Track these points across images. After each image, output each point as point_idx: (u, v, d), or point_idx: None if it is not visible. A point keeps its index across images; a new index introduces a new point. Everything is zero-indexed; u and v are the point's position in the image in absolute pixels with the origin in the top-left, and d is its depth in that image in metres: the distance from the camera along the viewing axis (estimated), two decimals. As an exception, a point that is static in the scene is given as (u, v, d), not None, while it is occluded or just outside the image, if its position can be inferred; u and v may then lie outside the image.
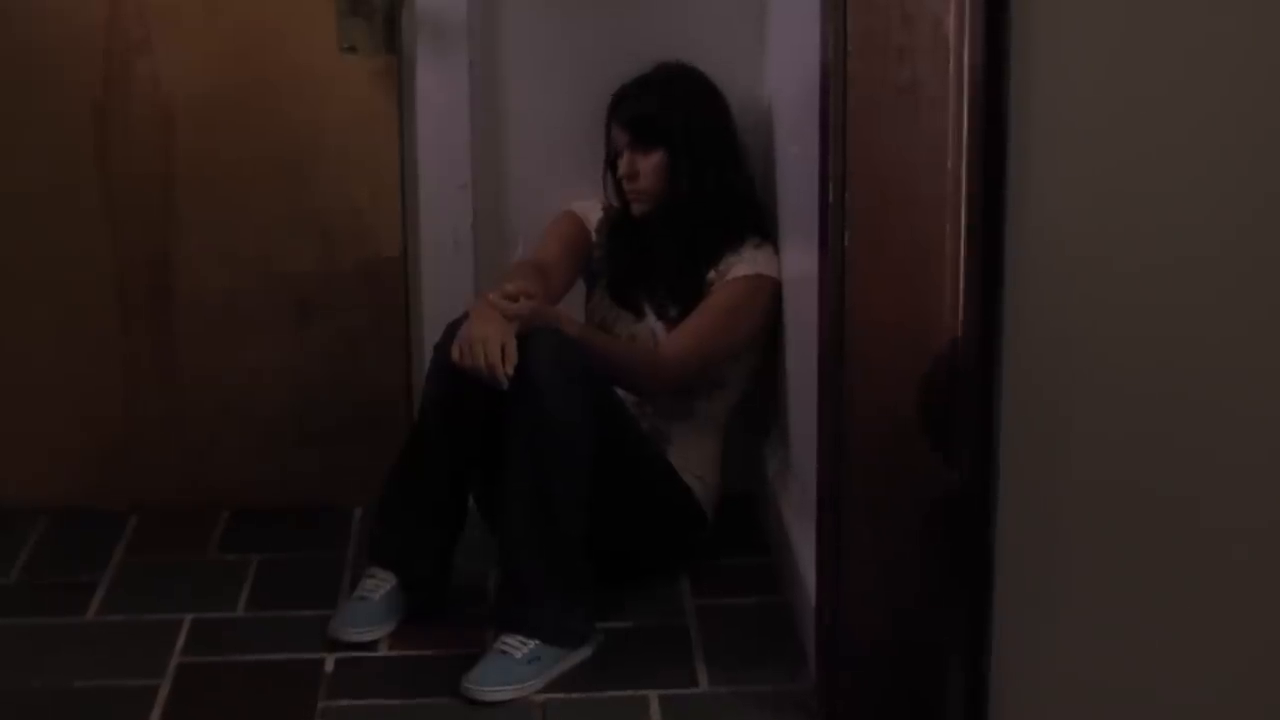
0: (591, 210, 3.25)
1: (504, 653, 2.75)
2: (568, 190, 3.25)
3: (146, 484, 3.35)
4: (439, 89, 3.22)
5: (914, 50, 2.40)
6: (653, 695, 2.73)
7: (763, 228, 3.18)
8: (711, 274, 3.11)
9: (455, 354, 2.79)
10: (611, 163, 3.18)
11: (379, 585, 2.92)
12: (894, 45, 2.40)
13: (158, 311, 3.30)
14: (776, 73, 3.21)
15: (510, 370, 2.76)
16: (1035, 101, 1.97)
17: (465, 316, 2.86)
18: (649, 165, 3.11)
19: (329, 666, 2.82)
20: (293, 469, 3.36)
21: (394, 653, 2.87)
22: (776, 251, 3.14)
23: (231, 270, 3.29)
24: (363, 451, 3.32)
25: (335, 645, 2.86)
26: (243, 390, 3.33)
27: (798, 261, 3.01)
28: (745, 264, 3.10)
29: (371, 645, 2.87)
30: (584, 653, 2.83)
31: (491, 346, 2.75)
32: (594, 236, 3.23)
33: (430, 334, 3.11)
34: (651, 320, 3.14)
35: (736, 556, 3.19)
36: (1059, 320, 1.98)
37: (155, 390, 3.33)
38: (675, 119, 3.11)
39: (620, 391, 3.02)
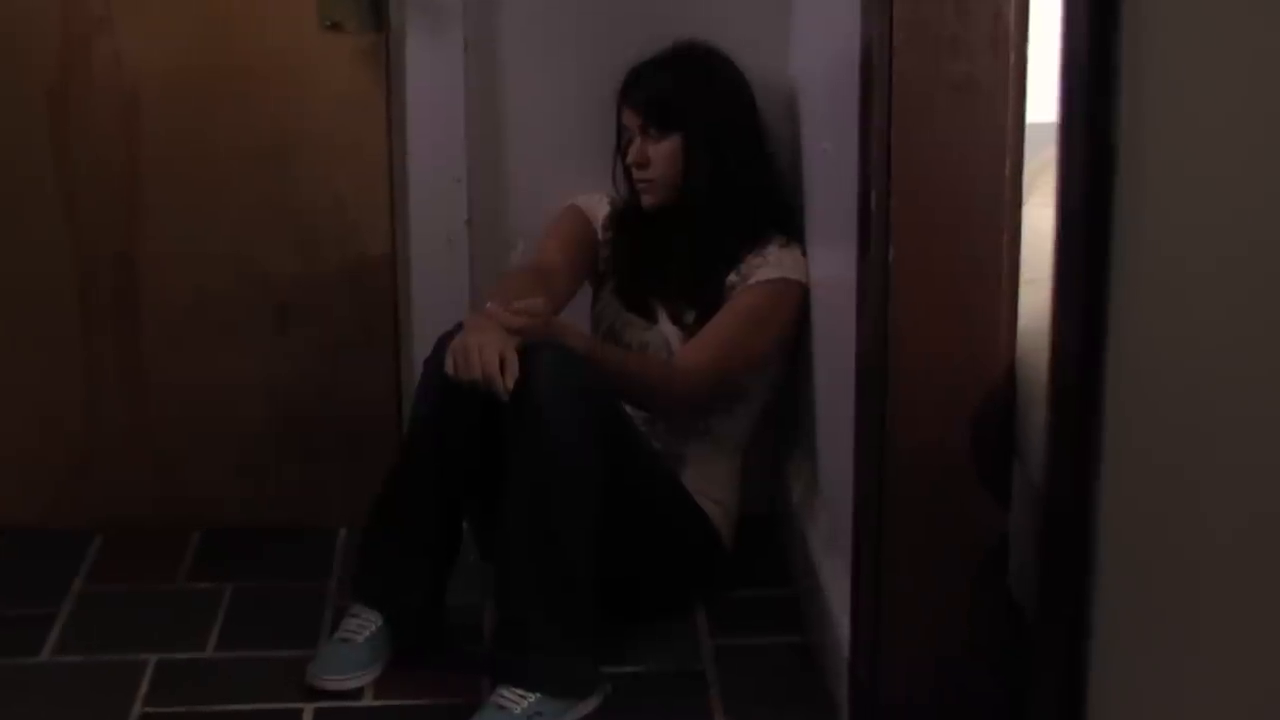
0: (598, 205, 2.98)
1: (501, 707, 2.50)
2: (573, 183, 3.01)
3: (110, 502, 3.14)
4: (431, 71, 2.98)
5: (970, 43, 2.16)
6: (667, 751, 2.49)
7: (788, 226, 2.91)
8: (732, 277, 2.84)
9: (449, 365, 2.53)
10: (623, 151, 2.91)
11: (363, 626, 2.67)
12: (947, 37, 2.17)
13: (122, 315, 3.07)
14: (803, 55, 2.94)
15: (511, 383, 2.51)
16: (1148, 104, 1.63)
17: (458, 329, 2.59)
18: (661, 152, 2.84)
19: (307, 718, 2.58)
20: (270, 486, 3.15)
21: (379, 702, 2.63)
22: (804, 252, 2.87)
23: (203, 270, 3.06)
24: (347, 468, 3.12)
25: (314, 693, 2.63)
26: (216, 401, 3.11)
27: (828, 264, 2.76)
28: (770, 267, 2.83)
29: (355, 693, 2.64)
30: (591, 704, 2.58)
31: (489, 355, 2.49)
32: (601, 234, 2.96)
33: (421, 339, 2.92)
34: (665, 326, 2.88)
35: (757, 587, 2.94)
36: (1174, 346, 1.65)
37: (120, 400, 3.11)
38: (692, 102, 2.84)
39: (630, 408, 2.75)
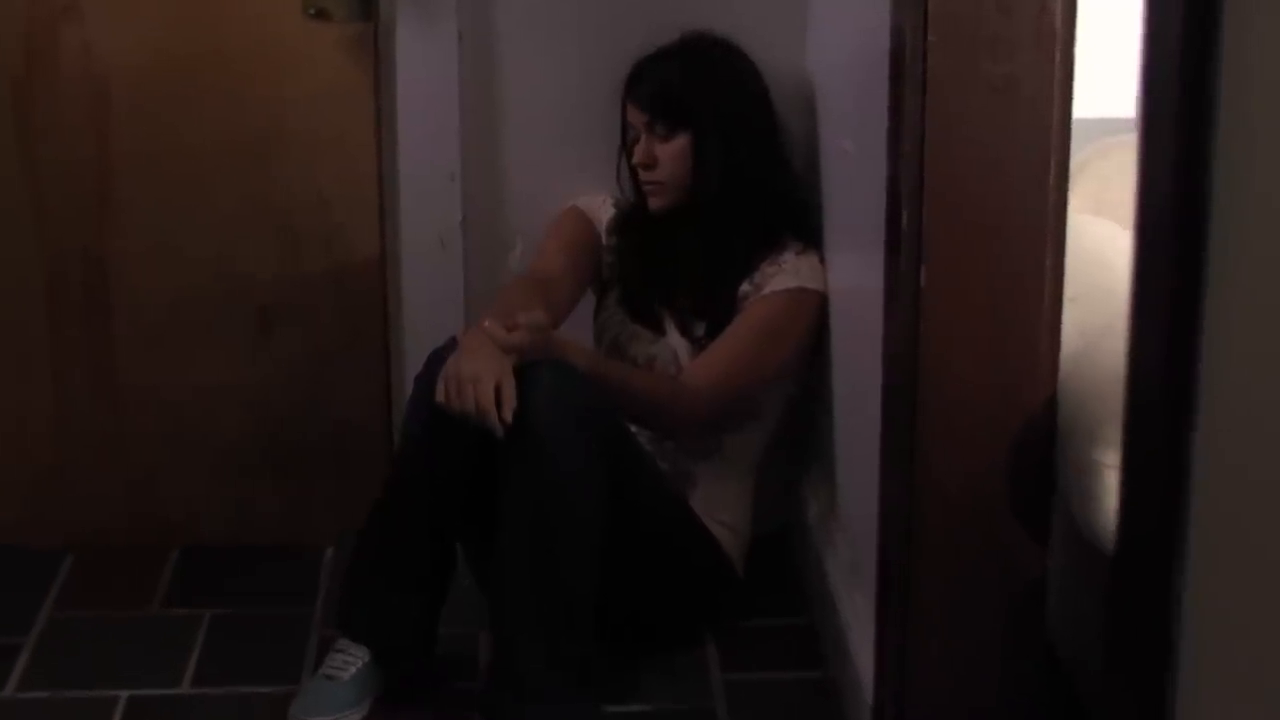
0: (601, 207, 2.79)
1: (497, 757, 2.32)
2: (574, 181, 2.85)
3: (82, 519, 2.99)
4: (423, 61, 2.83)
5: (1012, 42, 1.98)
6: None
7: (804, 230, 2.72)
8: (745, 286, 2.66)
9: (440, 393, 2.35)
10: (628, 150, 2.72)
11: (349, 662, 2.50)
12: (987, 35, 1.98)
13: (93, 318, 2.92)
14: (821, 48, 2.76)
15: (508, 416, 2.33)
16: (1256, 101, 1.43)
17: (452, 344, 2.42)
18: (669, 152, 2.66)
19: (289, 762, 2.42)
20: (252, 502, 3.00)
21: (366, 744, 2.47)
22: (821, 259, 2.68)
23: (179, 271, 2.91)
24: (334, 482, 2.98)
25: (297, 734, 2.46)
26: (193, 410, 2.96)
27: (848, 272, 2.59)
28: (785, 275, 2.65)
29: (340, 735, 2.47)
30: (593, 750, 2.41)
31: (484, 388, 2.32)
32: (604, 239, 2.78)
33: (412, 345, 2.80)
34: (674, 338, 2.70)
35: (770, 616, 2.76)
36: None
37: (91, 409, 2.96)
38: (702, 97, 2.66)
39: (635, 427, 2.58)
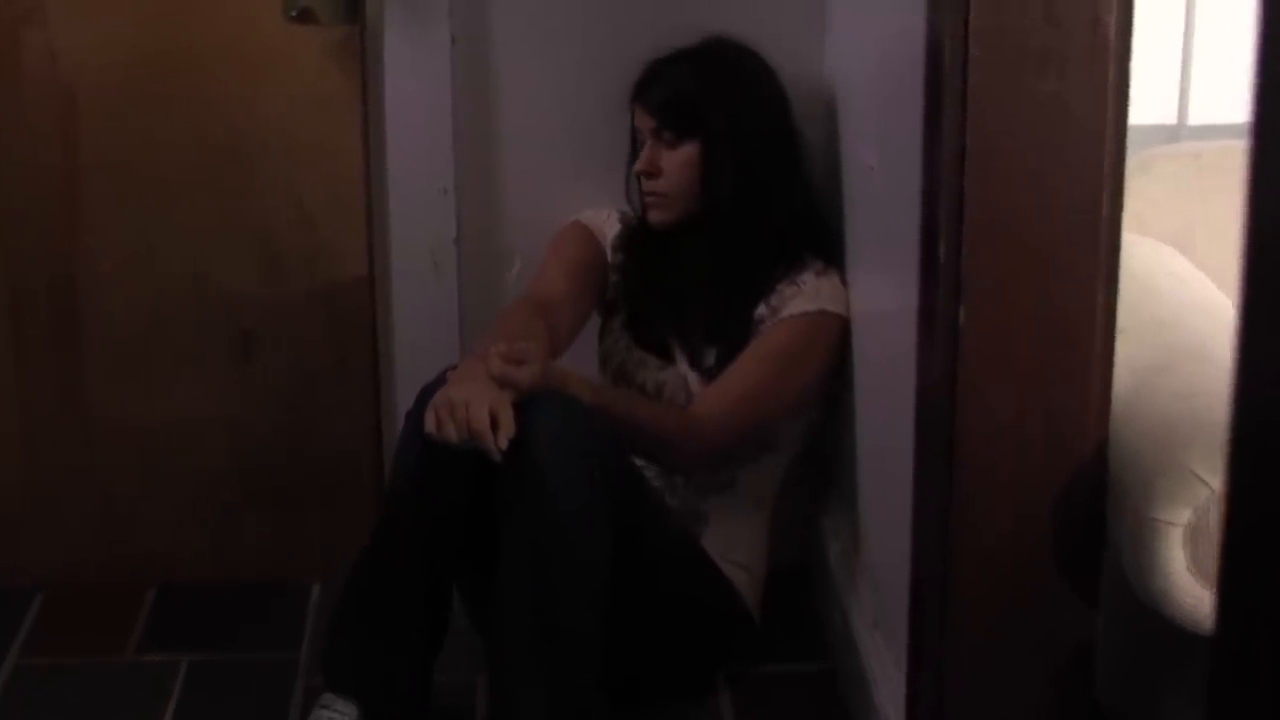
0: (607, 223, 2.62)
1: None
2: (576, 195, 2.68)
3: (52, 557, 2.83)
4: (413, 67, 2.66)
5: (1062, 55, 1.80)
6: None
7: (824, 249, 2.53)
8: (761, 309, 2.49)
9: (430, 422, 2.17)
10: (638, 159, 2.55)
11: (335, 719, 2.30)
12: (1034, 48, 1.80)
13: (62, 344, 2.76)
14: (841, 53, 2.58)
15: (504, 443, 2.15)
16: None
17: (442, 380, 2.24)
18: (675, 160, 2.49)
19: (271, 829, 2.24)
20: (234, 538, 2.84)
21: (355, 809, 2.29)
22: (843, 279, 2.50)
23: (154, 293, 2.74)
24: (321, 517, 2.83)
25: (280, 799, 2.29)
26: (171, 441, 2.80)
27: (872, 295, 2.41)
28: (804, 298, 2.47)
29: (326, 799, 2.29)
30: (600, 814, 2.23)
31: (477, 410, 2.15)
32: (610, 256, 2.60)
33: (404, 372, 2.66)
34: (683, 367, 2.51)
35: (788, 661, 2.59)
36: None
37: (61, 441, 2.80)
38: (714, 103, 2.48)
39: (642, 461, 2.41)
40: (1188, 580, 1.80)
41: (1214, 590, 1.45)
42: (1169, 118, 2.72)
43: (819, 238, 2.55)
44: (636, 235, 2.60)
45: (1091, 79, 1.78)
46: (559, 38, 2.67)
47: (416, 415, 2.26)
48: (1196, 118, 2.73)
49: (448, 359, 2.52)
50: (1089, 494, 1.90)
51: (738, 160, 2.47)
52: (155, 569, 2.83)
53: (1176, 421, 1.88)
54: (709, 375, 2.49)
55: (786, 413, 2.49)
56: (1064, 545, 1.91)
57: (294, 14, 2.57)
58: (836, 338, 2.48)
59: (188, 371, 2.77)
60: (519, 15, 2.66)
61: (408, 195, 2.70)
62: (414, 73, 2.65)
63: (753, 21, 2.56)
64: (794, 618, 2.68)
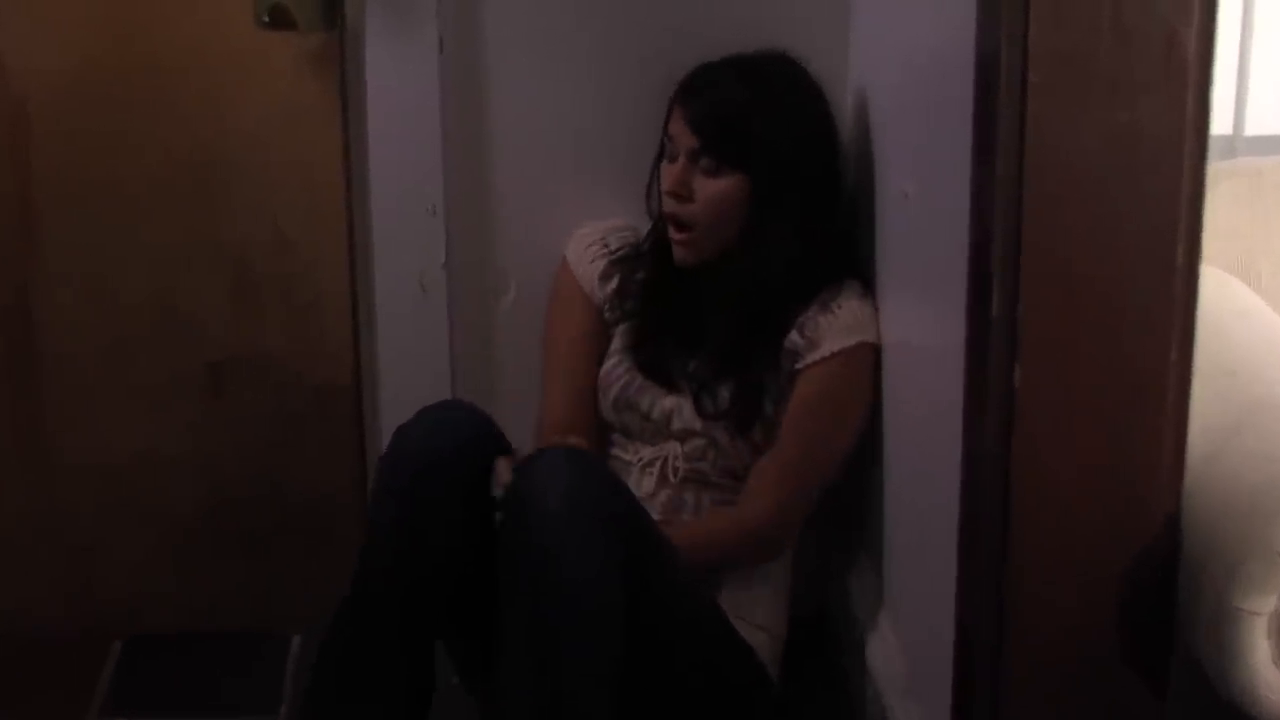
0: (588, 258, 2.54)
1: None
2: (575, 217, 2.60)
3: (9, 607, 2.75)
4: (397, 76, 2.59)
5: (1134, 80, 1.62)
6: None
7: (859, 272, 2.41)
8: (795, 337, 2.35)
9: None
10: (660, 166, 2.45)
11: (311, 800, 2.17)
12: (1103, 72, 1.62)
13: (18, 377, 2.70)
14: (870, 68, 2.45)
15: (499, 490, 2.06)
16: None
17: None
18: (712, 190, 2.34)
19: None
20: (206, 586, 2.77)
21: None
22: (875, 306, 2.37)
23: (117, 324, 2.69)
24: (300, 564, 2.76)
25: None
26: (137, 482, 2.74)
27: (906, 328, 2.27)
28: (841, 330, 2.34)
29: None
30: None
31: None
32: (600, 294, 2.51)
33: (389, 407, 2.62)
34: (688, 400, 2.40)
35: (810, 724, 2.42)
36: None
37: (18, 482, 2.74)
38: (769, 137, 2.32)
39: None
40: (1274, 674, 1.70)
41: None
42: (1224, 128, 2.60)
43: (855, 262, 2.42)
44: (648, 257, 2.47)
45: (1167, 107, 1.60)
46: (556, 43, 2.58)
47: (391, 459, 2.15)
48: (1253, 128, 2.60)
49: (436, 394, 2.47)
50: (1159, 575, 1.75)
51: (784, 201, 2.33)
52: (120, 620, 2.75)
53: (1258, 491, 1.72)
54: (720, 417, 2.35)
55: (841, 465, 2.39)
56: (1131, 631, 1.76)
57: (267, 19, 2.50)
58: (873, 370, 2.37)
59: (154, 407, 2.72)
60: (514, 16, 2.58)
61: (392, 215, 2.63)
62: (398, 81, 2.58)
63: (770, 32, 2.43)
64: (815, 675, 2.53)
